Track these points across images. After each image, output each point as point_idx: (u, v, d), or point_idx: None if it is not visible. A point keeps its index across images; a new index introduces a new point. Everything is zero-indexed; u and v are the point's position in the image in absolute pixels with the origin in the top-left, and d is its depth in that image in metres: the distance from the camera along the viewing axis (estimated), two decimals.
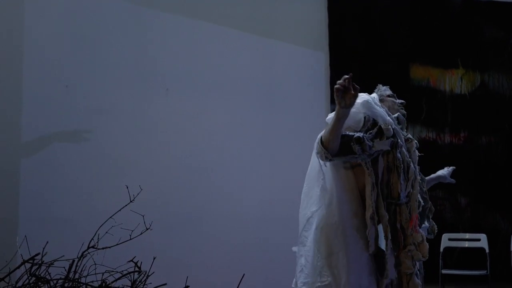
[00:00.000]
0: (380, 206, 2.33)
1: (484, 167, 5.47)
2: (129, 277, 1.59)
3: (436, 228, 2.61)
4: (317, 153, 2.29)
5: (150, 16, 4.38)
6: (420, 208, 2.45)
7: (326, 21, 5.30)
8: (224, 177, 4.56)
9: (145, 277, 1.59)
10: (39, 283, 1.48)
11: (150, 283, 1.62)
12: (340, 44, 5.30)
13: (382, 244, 2.40)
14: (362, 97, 2.40)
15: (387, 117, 2.36)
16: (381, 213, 2.34)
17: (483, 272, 4.91)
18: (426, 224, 2.55)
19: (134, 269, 1.58)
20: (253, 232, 4.56)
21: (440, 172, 2.97)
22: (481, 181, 5.39)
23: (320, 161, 2.32)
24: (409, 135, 2.53)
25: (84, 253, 1.62)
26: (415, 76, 5.49)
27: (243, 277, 1.64)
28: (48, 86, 3.82)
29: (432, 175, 2.95)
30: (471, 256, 5.20)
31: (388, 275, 2.32)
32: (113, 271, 1.63)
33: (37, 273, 1.51)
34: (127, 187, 2.03)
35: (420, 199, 2.46)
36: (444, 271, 4.95)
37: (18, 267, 1.52)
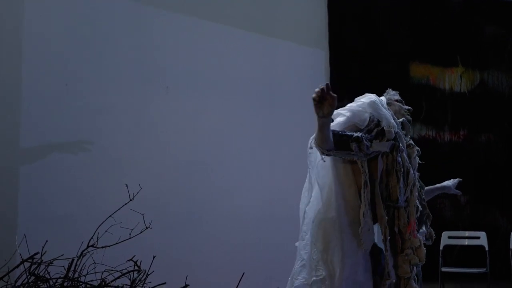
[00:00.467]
0: (380, 206, 2.35)
1: (483, 165, 5.47)
2: (129, 276, 1.59)
3: (434, 235, 2.63)
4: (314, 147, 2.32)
5: (151, 14, 4.37)
6: (418, 213, 2.48)
7: (326, 20, 5.29)
8: (224, 176, 4.56)
9: (144, 276, 1.59)
10: (39, 282, 1.48)
11: (150, 282, 1.61)
12: (340, 43, 5.30)
13: (379, 243, 2.42)
14: (370, 97, 2.43)
15: (391, 120, 2.39)
16: (380, 213, 2.36)
17: (482, 270, 4.91)
18: (424, 229, 2.57)
19: (134, 268, 1.58)
20: (253, 231, 4.56)
21: (445, 183, 2.97)
22: (480, 179, 5.39)
23: (320, 155, 2.34)
24: (411, 141, 2.55)
25: (83, 252, 1.62)
26: (415, 74, 5.49)
27: (242, 276, 1.64)
28: (47, 84, 3.81)
29: (437, 185, 2.95)
30: (470, 254, 5.21)
31: (390, 276, 2.33)
32: (112, 270, 1.63)
33: (36, 272, 1.51)
34: (127, 186, 2.03)
35: (418, 205, 2.48)
36: (443, 269, 4.95)
37: (17, 266, 1.52)
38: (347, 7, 5.36)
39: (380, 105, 2.42)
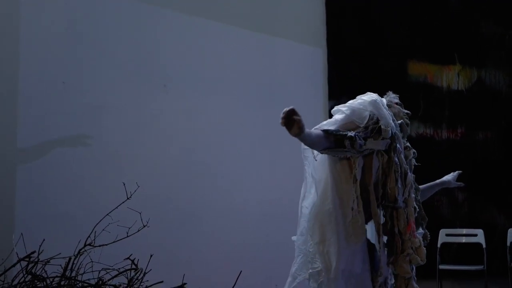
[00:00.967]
0: (373, 203, 2.39)
1: (481, 163, 5.48)
2: (126, 274, 1.58)
3: (429, 236, 2.66)
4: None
5: (148, 12, 4.36)
6: (416, 214, 2.51)
7: (324, 18, 5.28)
8: (222, 174, 4.55)
9: (141, 275, 1.59)
10: (35, 281, 1.48)
11: (147, 280, 1.61)
12: (338, 41, 5.30)
13: (373, 239, 2.45)
14: (371, 96, 2.46)
15: (390, 120, 2.42)
16: (373, 210, 2.39)
17: (480, 267, 4.92)
18: (421, 230, 2.58)
19: (131, 266, 1.58)
20: (252, 230, 4.55)
21: (445, 178, 2.97)
22: (478, 177, 5.41)
23: (312, 152, 2.43)
24: (408, 144, 2.59)
25: (80, 251, 1.61)
26: (412, 72, 5.50)
27: (240, 273, 1.64)
28: (44, 82, 3.80)
29: (437, 181, 2.96)
30: (468, 251, 5.22)
31: (382, 273, 2.34)
32: (109, 269, 1.62)
33: (33, 271, 1.50)
34: (124, 184, 2.02)
35: (416, 206, 2.52)
36: (441, 266, 4.96)
37: (14, 265, 1.51)
38: (345, 5, 5.37)
39: (381, 104, 2.45)
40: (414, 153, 2.60)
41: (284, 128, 2.15)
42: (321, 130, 2.32)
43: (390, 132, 2.38)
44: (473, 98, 5.56)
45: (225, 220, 4.46)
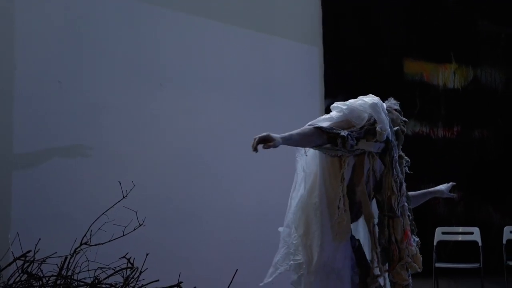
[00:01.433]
0: (366, 205, 2.41)
1: (477, 161, 5.50)
2: (122, 273, 1.58)
3: (420, 243, 2.68)
4: None
5: (145, 10, 4.35)
6: (410, 222, 2.53)
7: (320, 16, 5.29)
8: (220, 173, 4.54)
9: (137, 274, 1.59)
10: (31, 281, 1.48)
11: (143, 279, 1.61)
12: (334, 39, 5.30)
13: (357, 235, 2.48)
14: (373, 98, 2.47)
15: (387, 126, 2.43)
16: (367, 212, 2.41)
17: (476, 265, 4.94)
18: (414, 238, 2.60)
19: (127, 265, 1.58)
20: (250, 229, 4.55)
21: (438, 187, 3.00)
22: (474, 175, 5.42)
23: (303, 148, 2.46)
24: (401, 152, 2.61)
25: (76, 250, 1.61)
26: (408, 70, 5.50)
27: (236, 272, 1.64)
28: (40, 81, 3.79)
29: (430, 189, 3.00)
30: (464, 250, 5.24)
31: (378, 275, 2.36)
32: (105, 268, 1.62)
33: (29, 270, 1.50)
34: (120, 183, 2.02)
35: (409, 213, 2.54)
36: (437, 265, 4.98)
37: (9, 264, 1.51)
38: (341, 3, 5.36)
39: (380, 108, 2.46)
40: (407, 161, 2.62)
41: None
42: (314, 126, 2.33)
43: (385, 136, 2.39)
44: (469, 97, 5.57)
45: (222, 219, 4.46)
